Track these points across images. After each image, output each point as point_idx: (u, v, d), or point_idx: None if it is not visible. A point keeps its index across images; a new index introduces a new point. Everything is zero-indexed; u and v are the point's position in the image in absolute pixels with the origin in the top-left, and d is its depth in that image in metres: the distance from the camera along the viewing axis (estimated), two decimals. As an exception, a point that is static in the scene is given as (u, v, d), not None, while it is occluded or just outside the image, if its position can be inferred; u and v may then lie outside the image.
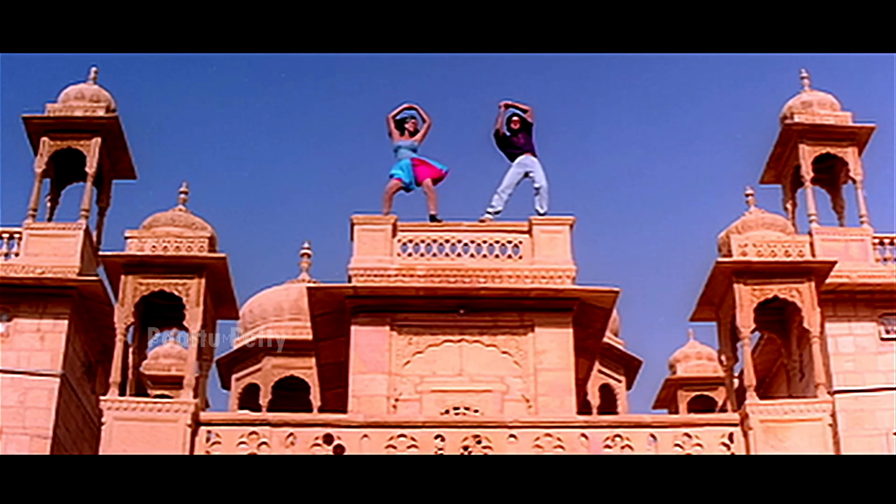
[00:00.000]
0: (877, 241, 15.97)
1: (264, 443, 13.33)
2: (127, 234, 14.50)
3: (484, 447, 13.29)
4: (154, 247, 14.30)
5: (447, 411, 14.00)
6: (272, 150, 41.46)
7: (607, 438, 13.48)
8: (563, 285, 14.60)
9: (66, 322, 14.82)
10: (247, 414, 15.32)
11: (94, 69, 16.94)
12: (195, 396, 13.75)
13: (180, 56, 34.14)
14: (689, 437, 13.59)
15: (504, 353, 14.39)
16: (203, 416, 13.71)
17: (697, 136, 41.47)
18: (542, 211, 15.34)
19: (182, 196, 15.35)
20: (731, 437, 13.66)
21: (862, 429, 14.57)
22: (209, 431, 13.48)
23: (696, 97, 41.22)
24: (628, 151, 40.50)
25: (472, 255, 14.90)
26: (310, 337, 15.68)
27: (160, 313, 14.70)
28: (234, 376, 19.57)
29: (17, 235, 15.47)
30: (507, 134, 15.87)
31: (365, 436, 13.36)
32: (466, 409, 14.05)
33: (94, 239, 16.22)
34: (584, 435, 13.48)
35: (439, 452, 13.25)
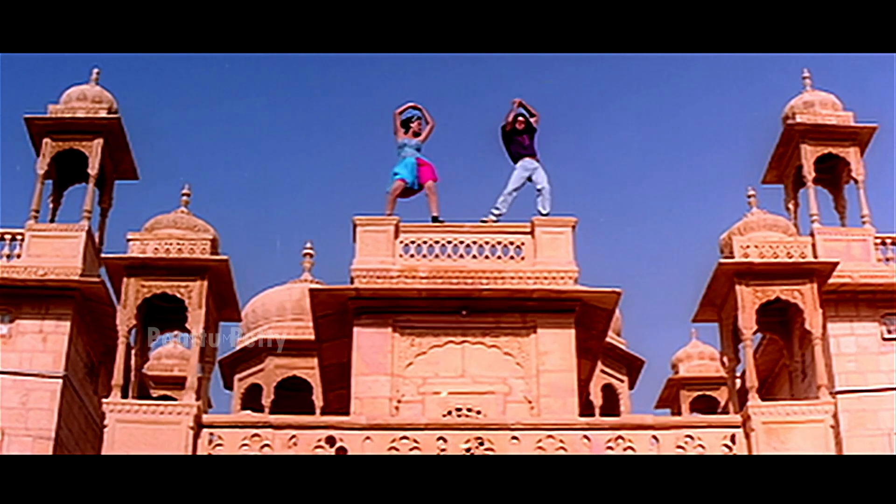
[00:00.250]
0: (879, 241, 15.93)
1: (267, 445, 13.34)
2: (129, 237, 14.51)
3: (486, 449, 13.30)
4: (156, 249, 14.31)
5: (449, 412, 14.00)
6: (274, 150, 41.48)
7: (609, 440, 13.48)
8: (566, 286, 14.60)
9: (68, 323, 14.79)
10: (249, 416, 15.32)
11: (95, 70, 16.91)
12: (197, 398, 13.77)
13: (182, 56, 34.09)
14: (692, 438, 13.59)
15: (506, 354, 14.39)
16: (205, 418, 13.73)
17: (699, 137, 41.47)
18: (544, 212, 15.34)
19: (184, 198, 15.38)
20: (733, 438, 13.67)
21: (864, 429, 14.55)
22: (211, 434, 13.48)
23: (697, 98, 41.23)
24: (630, 152, 40.49)
25: (474, 257, 14.91)
26: (312, 337, 15.68)
27: (162, 315, 14.71)
28: (236, 376, 19.54)
29: (19, 237, 15.44)
30: (516, 127, 15.86)
31: (367, 438, 13.37)
32: (469, 410, 14.06)
33: (97, 240, 16.20)
34: (586, 437, 13.49)
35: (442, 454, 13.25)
